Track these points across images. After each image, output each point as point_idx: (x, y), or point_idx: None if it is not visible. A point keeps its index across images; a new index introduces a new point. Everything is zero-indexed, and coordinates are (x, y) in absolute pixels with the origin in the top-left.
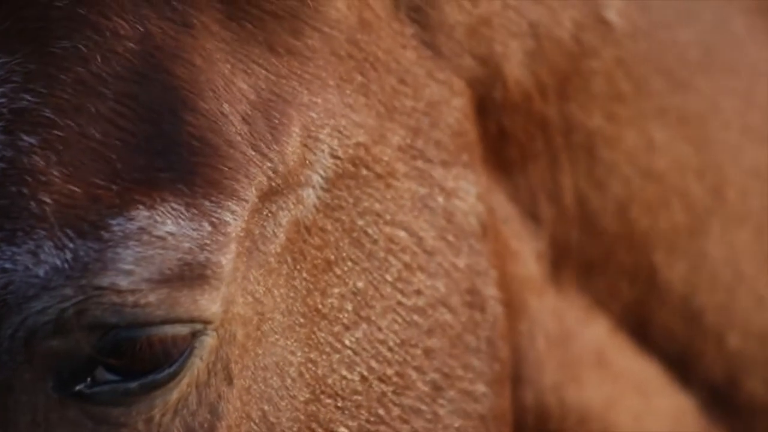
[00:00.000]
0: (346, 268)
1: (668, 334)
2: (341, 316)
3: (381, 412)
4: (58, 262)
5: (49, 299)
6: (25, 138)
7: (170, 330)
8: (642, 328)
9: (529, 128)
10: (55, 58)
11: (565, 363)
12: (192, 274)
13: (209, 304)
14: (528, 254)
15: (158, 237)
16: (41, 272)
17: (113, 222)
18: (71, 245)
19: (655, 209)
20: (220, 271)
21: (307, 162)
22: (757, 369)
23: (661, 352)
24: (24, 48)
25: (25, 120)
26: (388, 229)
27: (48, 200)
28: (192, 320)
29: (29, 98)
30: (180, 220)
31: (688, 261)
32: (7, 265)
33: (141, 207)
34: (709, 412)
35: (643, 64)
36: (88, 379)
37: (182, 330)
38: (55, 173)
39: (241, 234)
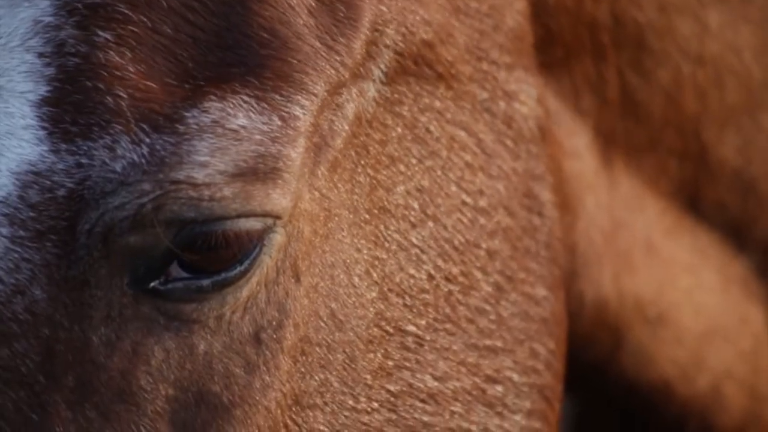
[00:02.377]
0: (410, 165)
1: (720, 206)
2: (407, 213)
3: (448, 311)
4: (135, 157)
5: (127, 194)
6: (100, 33)
7: (244, 224)
8: (694, 202)
9: (577, 29)
10: None
11: (619, 254)
12: (265, 167)
13: (280, 198)
14: (579, 150)
15: (231, 130)
16: (118, 167)
17: (188, 114)
18: (147, 140)
19: (706, 92)
20: (291, 164)
21: (371, 56)
22: None
23: (715, 222)
24: None
25: (100, 15)
26: (450, 128)
27: (123, 95)
28: (265, 214)
29: None
30: (251, 114)
31: (742, 135)
32: (84, 161)
33: (214, 99)
34: (765, 274)
35: None
36: (162, 277)
37: (255, 224)
38: (130, 69)
39: (310, 129)
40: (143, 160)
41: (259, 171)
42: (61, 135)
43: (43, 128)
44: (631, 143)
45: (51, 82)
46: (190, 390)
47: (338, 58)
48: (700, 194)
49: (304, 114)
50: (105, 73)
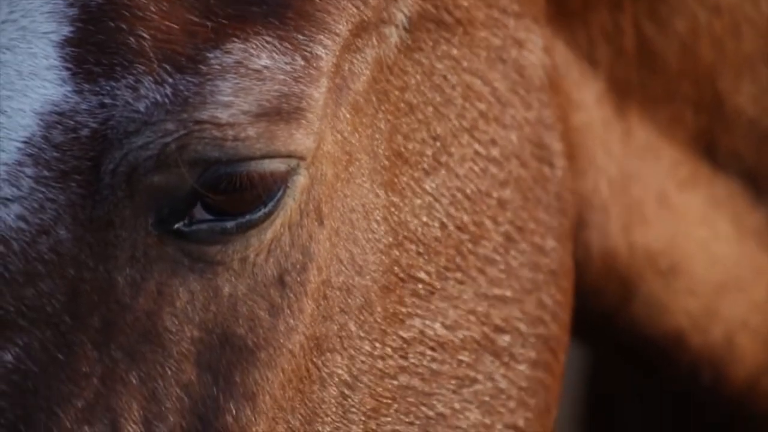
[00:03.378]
0: (427, 113)
1: (737, 155)
2: (422, 160)
3: (459, 260)
4: (158, 97)
5: (151, 134)
6: None
7: (269, 165)
8: (710, 152)
9: None
10: None
11: (630, 205)
12: (288, 107)
13: (304, 138)
14: (589, 100)
15: (254, 70)
16: (142, 107)
17: (210, 55)
18: (170, 80)
19: (722, 41)
20: (314, 104)
21: None
22: None
23: (731, 172)
24: None
25: None
26: (466, 77)
27: (146, 35)
28: (289, 155)
29: None
30: (274, 54)
31: (757, 84)
32: (107, 101)
33: (236, 40)
34: None
35: None
36: (187, 218)
37: (280, 166)
38: (152, 8)
39: (332, 69)
40: (167, 100)
41: (283, 111)
42: (84, 75)
43: (67, 69)
44: (646, 94)
45: (74, 23)
46: (215, 332)
47: None
48: (716, 144)
49: (327, 54)
50: (127, 14)
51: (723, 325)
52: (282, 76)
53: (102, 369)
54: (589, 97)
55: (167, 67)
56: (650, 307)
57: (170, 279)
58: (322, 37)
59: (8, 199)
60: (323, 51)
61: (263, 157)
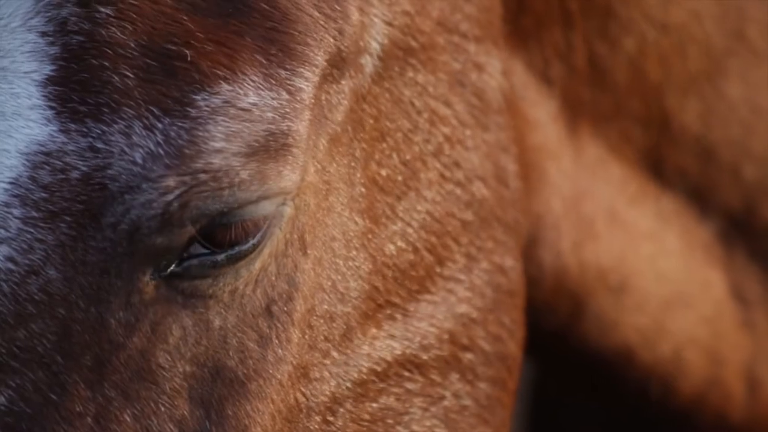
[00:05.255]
0: (397, 139)
1: (683, 172)
2: (394, 186)
3: (428, 282)
4: (152, 146)
5: (152, 191)
6: (102, 9)
7: (261, 209)
8: (657, 168)
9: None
10: None
11: (581, 222)
12: (276, 144)
13: (291, 174)
14: (544, 119)
15: (243, 109)
16: (138, 158)
17: (197, 97)
18: (159, 125)
19: (669, 59)
20: (300, 138)
21: (365, 26)
22: None
23: (678, 188)
24: None
25: None
26: (431, 102)
27: (130, 74)
28: (280, 192)
29: None
30: (260, 91)
31: (703, 102)
32: (99, 145)
33: (222, 81)
34: (727, 239)
35: None
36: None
37: (271, 208)
38: (132, 45)
39: (313, 101)
40: (161, 150)
41: (271, 149)
42: (69, 114)
43: (51, 108)
44: (596, 111)
45: (56, 61)
46: (207, 366)
47: (335, 26)
48: (664, 161)
49: (308, 86)
50: (109, 51)
51: (671, 341)
52: (270, 114)
53: (96, 408)
54: (544, 116)
55: (154, 110)
56: (600, 324)
57: (164, 317)
58: (302, 69)
59: None
60: (305, 83)
61: (258, 199)
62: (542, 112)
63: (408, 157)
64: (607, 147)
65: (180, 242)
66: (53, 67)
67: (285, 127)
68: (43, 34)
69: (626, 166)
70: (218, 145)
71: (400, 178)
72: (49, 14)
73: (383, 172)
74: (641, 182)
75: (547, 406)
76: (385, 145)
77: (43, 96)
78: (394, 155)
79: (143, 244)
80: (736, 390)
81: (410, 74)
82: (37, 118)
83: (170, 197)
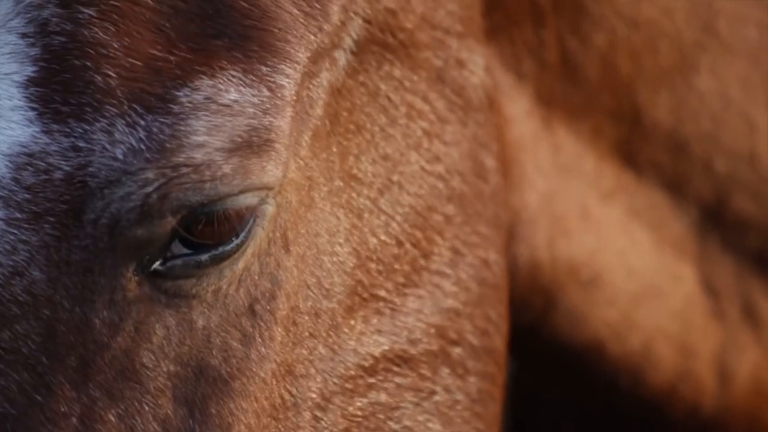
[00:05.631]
0: (374, 133)
1: (655, 166)
2: (375, 180)
3: (414, 276)
4: (134, 142)
5: (132, 184)
6: (84, 10)
7: (243, 200)
8: (630, 162)
9: None
10: None
11: (555, 217)
12: (259, 140)
13: (274, 169)
14: (520, 115)
15: (224, 105)
16: (119, 153)
17: (179, 94)
18: (142, 122)
19: (640, 55)
20: (282, 134)
21: (343, 23)
22: (745, 188)
23: (651, 182)
24: None
25: None
26: (408, 96)
27: (112, 73)
28: (263, 187)
29: None
30: (241, 87)
31: (674, 97)
32: (81, 144)
33: (203, 77)
34: (699, 232)
35: None
36: (162, 257)
37: (253, 199)
38: (115, 45)
39: (294, 97)
40: (142, 146)
41: (254, 144)
42: (52, 115)
43: (33, 109)
44: (569, 106)
45: (37, 62)
46: (190, 365)
47: (315, 24)
48: (636, 155)
49: (289, 83)
50: (92, 51)
51: (641, 334)
52: (251, 110)
53: (80, 408)
54: (519, 111)
55: (137, 107)
56: (571, 319)
57: (147, 317)
58: (284, 66)
59: None
60: (286, 80)
61: (240, 192)
62: (517, 107)
63: (388, 150)
64: (581, 142)
65: (161, 234)
66: (34, 68)
67: (267, 123)
68: (24, 35)
69: (600, 161)
70: (200, 139)
71: (381, 171)
72: (29, 15)
73: (362, 167)
74: (615, 177)
75: (527, 401)
76: (361, 138)
77: (25, 97)
78: (372, 149)
79: (124, 237)
80: (707, 381)
81: (387, 69)
82: (19, 120)
83: (149, 189)
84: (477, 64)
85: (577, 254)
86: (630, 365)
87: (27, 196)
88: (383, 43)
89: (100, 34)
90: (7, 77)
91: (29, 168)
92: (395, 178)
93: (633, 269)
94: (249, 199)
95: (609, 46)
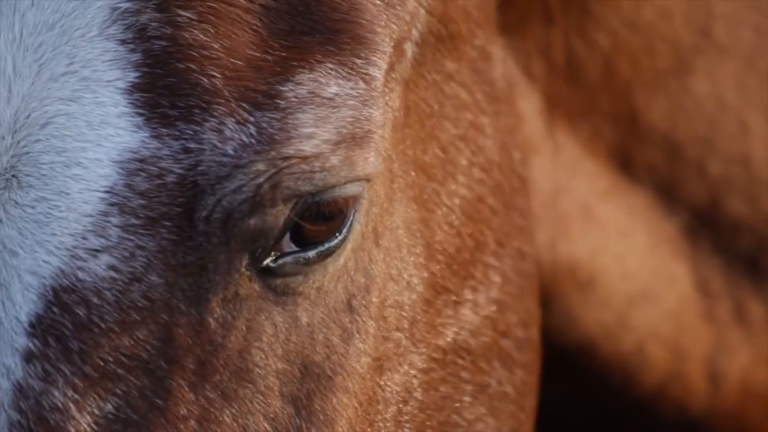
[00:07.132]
0: (433, 123)
1: (651, 168)
2: (435, 172)
3: (471, 267)
4: (244, 138)
5: (243, 177)
6: (182, 13)
7: (349, 189)
8: (626, 164)
9: None
10: None
11: (557, 219)
12: (361, 131)
13: (375, 160)
14: (531, 113)
15: (327, 98)
16: (230, 150)
17: (284, 89)
18: (251, 118)
19: (639, 58)
20: (379, 125)
21: (413, 15)
22: (738, 190)
23: (646, 183)
24: None
25: None
26: (456, 87)
27: (217, 74)
28: (366, 177)
29: None
30: (339, 80)
31: (669, 100)
32: (191, 145)
33: (303, 71)
34: (693, 234)
35: None
36: (274, 254)
37: (357, 189)
38: (216, 46)
39: (383, 88)
40: (253, 140)
41: (356, 136)
42: (159, 119)
43: (139, 114)
44: (571, 108)
45: (139, 68)
46: (296, 362)
47: (395, 14)
48: (632, 157)
49: (380, 74)
50: (195, 54)
51: (634, 335)
52: (352, 101)
53: (199, 410)
54: (530, 110)
55: (245, 105)
56: (565, 318)
57: (257, 314)
58: (375, 57)
59: (97, 250)
60: (377, 71)
61: (346, 182)
62: (529, 105)
63: (444, 141)
64: (581, 144)
65: (273, 225)
66: (137, 74)
67: (367, 114)
68: (123, 41)
69: (598, 163)
70: (308, 130)
71: (439, 162)
72: (127, 22)
73: (426, 158)
74: (612, 178)
75: None
76: (425, 130)
77: (130, 103)
78: (433, 141)
79: (237, 228)
80: (697, 382)
81: (440, 60)
82: (127, 126)
83: (261, 180)
84: (497, 57)
85: (576, 255)
86: (622, 365)
87: (141, 201)
88: (438, 35)
89: (201, 36)
90: (110, 84)
91: (141, 173)
92: (450, 168)
93: (629, 271)
94: (354, 188)
95: (611, 48)
